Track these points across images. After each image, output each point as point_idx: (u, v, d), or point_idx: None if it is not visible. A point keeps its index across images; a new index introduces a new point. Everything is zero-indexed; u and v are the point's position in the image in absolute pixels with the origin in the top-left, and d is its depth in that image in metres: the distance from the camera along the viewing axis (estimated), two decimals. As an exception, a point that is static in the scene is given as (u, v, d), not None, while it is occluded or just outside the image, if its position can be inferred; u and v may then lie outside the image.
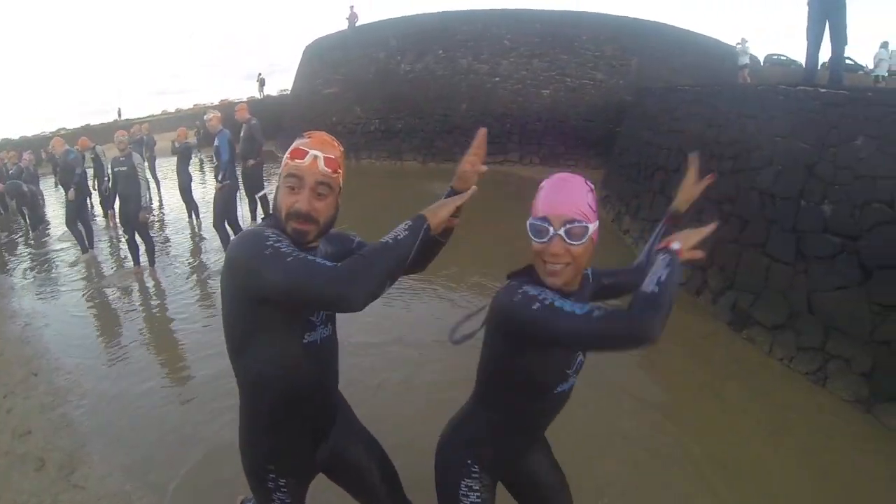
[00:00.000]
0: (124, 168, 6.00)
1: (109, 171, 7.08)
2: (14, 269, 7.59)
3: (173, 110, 25.92)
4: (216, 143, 6.36)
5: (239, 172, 6.74)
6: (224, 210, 6.38)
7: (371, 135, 15.23)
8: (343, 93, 16.17)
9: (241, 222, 6.79)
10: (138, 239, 6.31)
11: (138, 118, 24.10)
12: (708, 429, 3.23)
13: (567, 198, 1.23)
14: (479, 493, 1.46)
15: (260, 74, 27.78)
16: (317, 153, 1.32)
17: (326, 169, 1.33)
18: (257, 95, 26.83)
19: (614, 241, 7.35)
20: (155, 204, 11.16)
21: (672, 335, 4.24)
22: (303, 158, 1.32)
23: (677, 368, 3.96)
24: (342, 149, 1.43)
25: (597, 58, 14.01)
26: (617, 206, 8.21)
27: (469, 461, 1.47)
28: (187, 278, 6.34)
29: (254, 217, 7.67)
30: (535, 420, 1.47)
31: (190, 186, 8.53)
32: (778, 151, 4.70)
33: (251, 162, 6.91)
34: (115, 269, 6.95)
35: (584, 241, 1.22)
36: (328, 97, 16.66)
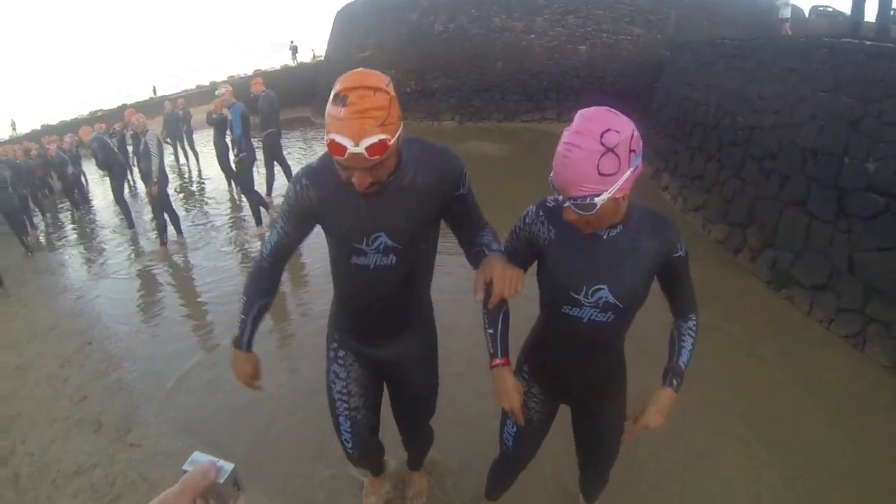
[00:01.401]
0: (141, 147, 6.18)
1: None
2: (62, 247, 7.96)
3: (207, 84, 26.08)
4: (229, 117, 6.43)
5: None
6: (249, 179, 6.55)
7: (407, 96, 15.02)
8: (377, 55, 15.98)
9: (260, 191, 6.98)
10: (166, 216, 6.49)
11: (173, 94, 24.39)
12: (742, 387, 3.20)
13: (572, 175, 1.16)
14: (534, 405, 1.65)
15: (292, 42, 27.22)
16: (357, 150, 1.15)
17: (373, 158, 1.18)
18: (291, 63, 26.64)
19: (653, 197, 7.19)
20: (193, 175, 11.58)
21: (709, 292, 4.26)
22: (343, 155, 1.17)
23: (713, 325, 3.84)
24: (388, 85, 1.20)
25: (633, 12, 13.39)
26: (655, 162, 7.99)
27: (525, 367, 1.66)
28: (225, 244, 6.58)
29: (269, 189, 7.75)
30: (559, 338, 1.49)
31: (227, 156, 8.65)
32: (821, 106, 4.46)
33: (267, 132, 7.02)
34: (156, 242, 7.22)
35: (594, 211, 1.18)
36: (362, 61, 16.51)
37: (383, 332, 1.63)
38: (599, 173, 1.14)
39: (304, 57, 27.35)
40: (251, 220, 6.87)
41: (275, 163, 7.55)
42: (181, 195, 9.85)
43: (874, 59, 4.10)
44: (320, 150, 13.41)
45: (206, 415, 3.19)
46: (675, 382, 1.46)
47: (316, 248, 4.86)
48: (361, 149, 1.15)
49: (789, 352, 3.58)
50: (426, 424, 1.99)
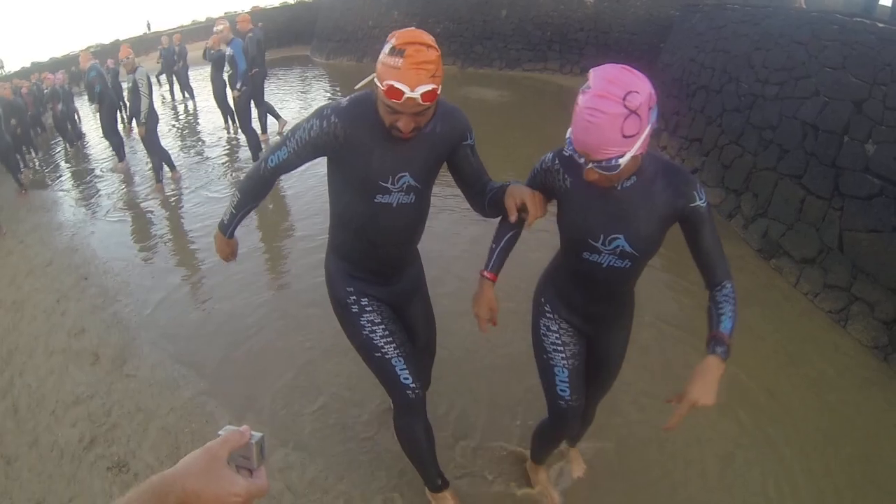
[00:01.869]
0: (130, 84, 6.09)
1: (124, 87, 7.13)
2: (56, 184, 7.89)
3: (203, 19, 25.18)
4: (229, 51, 6.36)
5: None
6: (248, 114, 6.52)
7: None
8: None
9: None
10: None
11: (168, 29, 23.54)
12: None
13: (596, 139, 1.18)
14: (557, 335, 1.69)
15: None
16: (413, 95, 1.30)
17: (426, 103, 1.34)
18: (290, 0, 25.69)
19: (651, 155, 7.20)
20: (189, 112, 11.36)
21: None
22: (400, 99, 1.31)
23: (700, 288, 3.95)
24: (434, 43, 1.36)
25: (645, -33, 12.93)
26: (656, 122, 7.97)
27: (542, 299, 1.72)
28: (220, 178, 6.60)
29: (264, 128, 7.71)
30: (578, 276, 1.58)
31: (224, 93, 8.53)
32: (826, 83, 4.41)
33: (253, 71, 6.85)
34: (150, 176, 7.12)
35: (617, 171, 1.21)
36: (365, 1, 16.03)
37: (396, 269, 1.77)
38: (623, 136, 1.16)
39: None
40: (246, 155, 6.89)
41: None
42: (177, 131, 9.73)
43: (885, 42, 4.04)
44: (319, 88, 13.22)
45: (199, 346, 3.29)
46: (718, 350, 1.34)
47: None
48: (417, 94, 1.30)
49: (773, 319, 3.65)
50: (431, 364, 2.14)
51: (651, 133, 1.21)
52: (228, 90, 7.03)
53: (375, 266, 1.72)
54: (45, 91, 10.21)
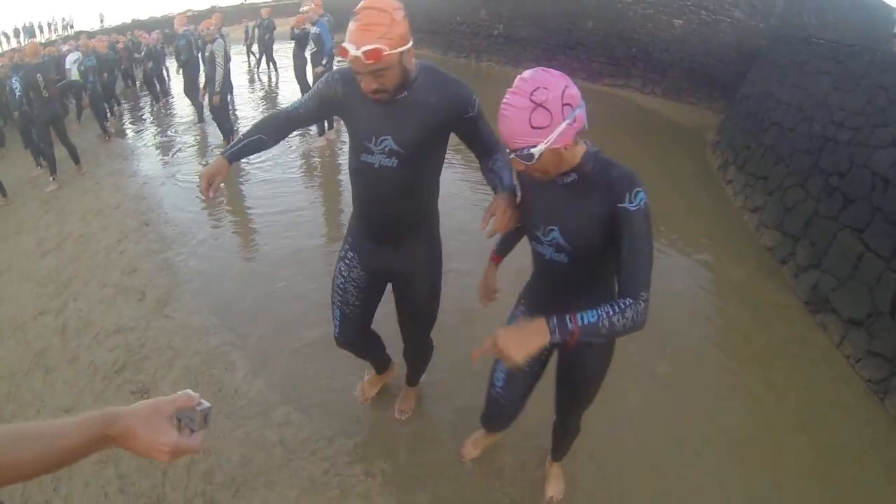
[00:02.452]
0: (207, 54, 6.43)
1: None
2: (137, 135, 8.48)
3: None
4: (315, 30, 6.55)
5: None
6: None
7: (493, 39, 14.93)
8: None
9: None
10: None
11: (262, 2, 24.68)
12: (740, 397, 3.12)
13: (509, 128, 1.28)
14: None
15: None
16: (357, 53, 1.39)
17: (369, 62, 1.41)
18: None
19: (715, 188, 6.92)
20: (270, 84, 11.87)
21: (743, 296, 4.20)
22: (346, 57, 1.42)
23: (736, 328, 3.82)
24: (395, 10, 1.44)
25: (738, -7, 12.44)
26: (726, 154, 7.64)
27: (521, 296, 1.80)
28: (292, 152, 6.86)
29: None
30: (536, 273, 1.66)
31: (304, 71, 8.84)
32: (905, 133, 4.12)
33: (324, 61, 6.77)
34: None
35: (533, 161, 1.29)
36: None
37: (387, 235, 1.84)
38: (532, 127, 1.25)
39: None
40: (314, 130, 7.16)
41: None
42: (256, 100, 10.21)
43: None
44: None
45: (234, 301, 3.51)
46: (556, 320, 1.28)
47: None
48: (360, 52, 1.39)
49: (803, 377, 3.44)
50: (427, 336, 2.21)
51: (576, 131, 1.30)
52: (309, 68, 7.25)
53: (366, 224, 1.86)
54: (141, 48, 10.96)
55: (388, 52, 1.41)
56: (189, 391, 0.80)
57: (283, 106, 1.78)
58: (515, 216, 1.52)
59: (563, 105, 1.25)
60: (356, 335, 2.13)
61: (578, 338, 1.25)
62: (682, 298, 4.08)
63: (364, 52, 1.38)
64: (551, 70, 1.29)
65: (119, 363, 2.90)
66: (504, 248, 1.80)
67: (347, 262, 1.96)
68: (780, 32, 10.47)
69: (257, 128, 1.80)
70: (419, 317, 2.08)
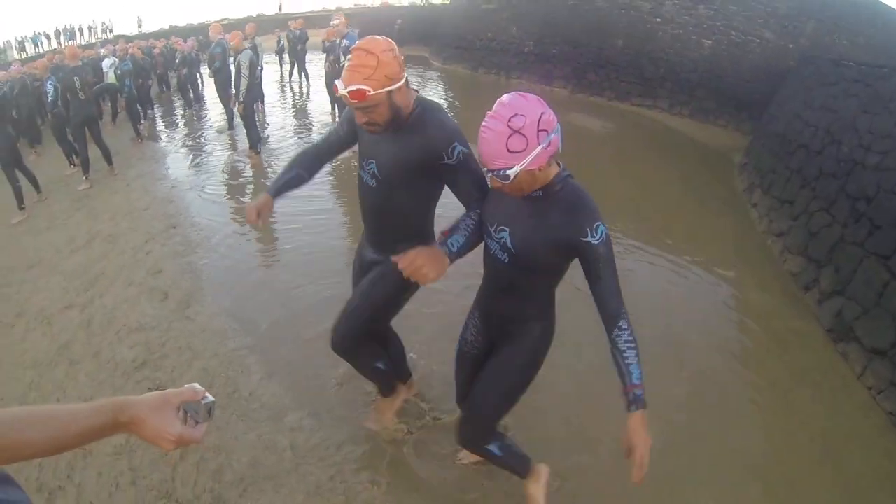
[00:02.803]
0: (234, 64, 6.66)
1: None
2: (169, 139, 8.74)
3: (334, 7, 26.80)
4: (345, 43, 6.73)
5: None
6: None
7: (524, 56, 15.02)
8: (500, 10, 15.84)
9: None
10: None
11: (298, 13, 25.30)
12: (758, 424, 3.08)
13: (487, 150, 1.37)
14: (472, 331, 1.92)
15: None
16: (343, 91, 1.56)
17: (354, 101, 1.57)
18: (418, 2, 26.62)
19: (740, 211, 6.85)
20: (301, 95, 12.08)
21: (764, 323, 4.13)
22: (337, 93, 1.61)
23: (755, 356, 3.76)
24: (382, 52, 1.55)
25: (768, 14, 12.26)
26: (752, 176, 7.54)
27: (475, 301, 1.91)
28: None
29: None
30: (485, 267, 1.75)
31: (333, 82, 8.97)
32: (934, 158, 4.03)
33: None
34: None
35: (510, 180, 1.38)
36: (486, 13, 16.38)
37: (373, 239, 2.05)
38: (509, 150, 1.34)
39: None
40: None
41: None
42: (287, 110, 10.46)
43: None
44: (431, 88, 13.64)
45: (254, 307, 3.58)
46: (635, 407, 1.48)
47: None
48: (346, 91, 1.56)
49: (823, 406, 3.36)
50: (390, 328, 2.34)
51: (550, 154, 1.39)
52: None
53: (365, 229, 2.08)
54: (177, 55, 11.31)
55: (373, 93, 1.56)
56: (195, 385, 0.86)
57: (315, 139, 1.96)
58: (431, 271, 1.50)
59: (539, 131, 1.34)
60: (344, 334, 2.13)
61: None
62: (702, 322, 4.04)
63: (350, 92, 1.55)
64: (528, 95, 1.38)
65: (139, 360, 2.99)
66: (453, 228, 1.74)
67: (352, 265, 2.21)
68: (809, 53, 10.30)
69: (295, 164, 1.96)
70: (359, 293, 2.18)
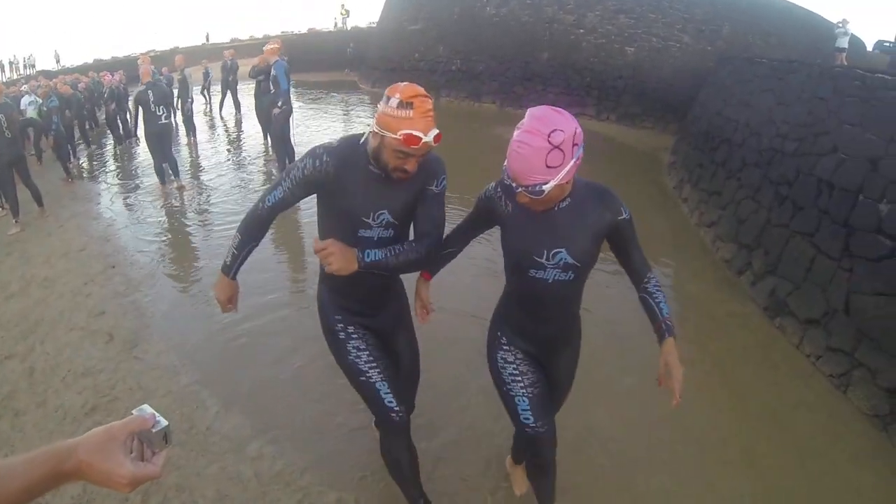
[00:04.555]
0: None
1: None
2: (101, 177, 8.39)
3: (260, 36, 26.43)
4: (273, 72, 6.61)
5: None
6: (281, 133, 6.78)
7: (452, 74, 15.27)
8: (427, 30, 16.16)
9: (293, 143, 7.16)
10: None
11: (224, 43, 24.88)
12: (706, 404, 3.17)
13: (523, 167, 1.35)
14: (515, 366, 1.79)
15: (343, 6, 27.04)
16: (428, 139, 1.51)
17: (436, 144, 1.55)
18: (341, 26, 26.70)
19: (672, 207, 7.22)
20: (233, 124, 11.89)
21: (701, 308, 4.36)
22: (417, 144, 1.50)
23: (696, 340, 3.93)
24: (429, 95, 1.59)
25: (686, 20, 13.11)
26: (681, 173, 7.98)
27: (498, 333, 1.84)
28: (252, 188, 6.91)
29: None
30: (527, 298, 1.71)
31: (267, 109, 8.88)
32: (844, 140, 4.39)
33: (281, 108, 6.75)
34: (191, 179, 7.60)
35: (542, 196, 1.38)
36: (413, 33, 16.66)
37: (381, 301, 1.91)
38: (547, 166, 1.34)
39: (359, 21, 27.45)
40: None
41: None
42: (220, 141, 10.28)
43: (904, 99, 4.00)
44: (360, 113, 13.64)
45: (203, 341, 3.49)
46: (668, 334, 1.61)
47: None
48: (430, 138, 1.51)
49: (767, 379, 3.55)
50: (415, 390, 2.17)
51: (577, 164, 1.40)
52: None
53: (362, 296, 1.86)
54: (104, 90, 10.89)
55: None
56: (145, 408, 0.77)
57: (259, 200, 1.76)
58: (336, 262, 1.59)
59: (574, 145, 1.36)
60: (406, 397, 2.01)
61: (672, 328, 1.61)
62: (641, 315, 4.14)
63: (434, 137, 1.53)
64: (562, 110, 1.39)
65: (89, 405, 2.85)
66: (436, 267, 1.90)
67: (355, 335, 1.89)
68: (726, 54, 11.05)
69: (246, 236, 1.78)
70: (412, 372, 2.16)
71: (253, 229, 1.78)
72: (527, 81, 14.07)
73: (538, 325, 1.75)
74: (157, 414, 0.77)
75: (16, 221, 6.04)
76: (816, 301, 4.03)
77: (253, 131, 10.21)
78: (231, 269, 1.80)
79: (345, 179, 1.64)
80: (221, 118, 12.85)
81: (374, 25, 21.51)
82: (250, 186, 7.19)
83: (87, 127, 11.31)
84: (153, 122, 6.77)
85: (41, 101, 8.22)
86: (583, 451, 2.65)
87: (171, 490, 2.29)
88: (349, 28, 26.08)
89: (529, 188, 1.36)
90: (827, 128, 4.70)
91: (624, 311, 3.98)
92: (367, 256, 1.62)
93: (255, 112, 8.83)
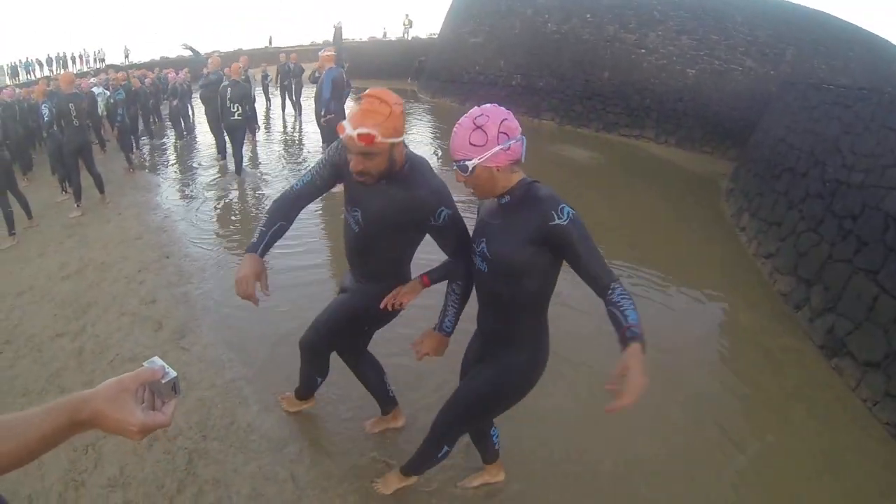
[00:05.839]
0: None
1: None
2: (161, 169, 8.74)
3: (321, 41, 27.12)
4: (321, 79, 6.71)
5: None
6: (330, 140, 6.87)
7: (512, 89, 15.25)
8: (487, 43, 16.21)
9: None
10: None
11: (287, 46, 25.62)
12: (757, 443, 3.05)
13: (453, 143, 1.55)
14: (470, 352, 2.02)
15: (407, 16, 27.39)
16: (352, 133, 1.57)
17: (361, 144, 1.58)
18: (404, 36, 27.03)
19: (728, 235, 6.96)
20: (293, 127, 12.18)
21: (755, 341, 4.17)
22: (342, 133, 1.61)
23: (749, 375, 3.76)
24: (395, 104, 1.61)
25: (749, 42, 12.71)
26: (740, 200, 7.70)
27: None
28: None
29: None
30: (476, 294, 1.85)
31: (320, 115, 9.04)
32: (916, 173, 4.15)
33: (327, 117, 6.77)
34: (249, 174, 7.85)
35: (469, 173, 1.54)
36: (473, 46, 16.74)
37: (355, 273, 2.14)
38: (470, 143, 1.52)
39: (420, 32, 27.81)
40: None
41: None
42: (280, 142, 10.55)
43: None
44: (415, 121, 13.77)
45: (251, 338, 3.52)
46: (636, 338, 1.40)
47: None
48: (354, 133, 1.56)
49: (820, 421, 3.38)
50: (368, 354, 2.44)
51: (510, 158, 1.53)
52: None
53: (349, 264, 2.14)
54: (168, 86, 11.39)
55: (380, 140, 1.59)
56: (155, 360, 0.82)
57: (293, 184, 1.94)
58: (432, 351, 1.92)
59: (500, 132, 1.50)
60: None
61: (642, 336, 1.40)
62: (694, 345, 4.06)
63: (359, 134, 1.56)
64: (499, 106, 1.55)
65: (134, 392, 2.92)
66: (437, 271, 1.89)
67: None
68: (790, 79, 10.64)
69: (275, 215, 1.85)
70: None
71: (283, 208, 1.88)
72: (587, 100, 13.93)
73: (481, 314, 1.86)
74: (166, 366, 0.82)
75: (77, 206, 6.36)
76: (878, 343, 3.79)
77: (311, 131, 10.42)
78: (258, 247, 1.79)
79: (347, 171, 1.76)
80: (283, 119, 13.20)
81: (436, 36, 21.73)
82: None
83: (151, 120, 11.86)
84: (226, 118, 7.22)
85: (108, 93, 8.69)
86: (630, 484, 2.57)
87: (207, 483, 2.32)
88: (410, 38, 26.41)
89: (458, 163, 1.54)
90: (897, 160, 4.44)
91: (675, 341, 3.90)
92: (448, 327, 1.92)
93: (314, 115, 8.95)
